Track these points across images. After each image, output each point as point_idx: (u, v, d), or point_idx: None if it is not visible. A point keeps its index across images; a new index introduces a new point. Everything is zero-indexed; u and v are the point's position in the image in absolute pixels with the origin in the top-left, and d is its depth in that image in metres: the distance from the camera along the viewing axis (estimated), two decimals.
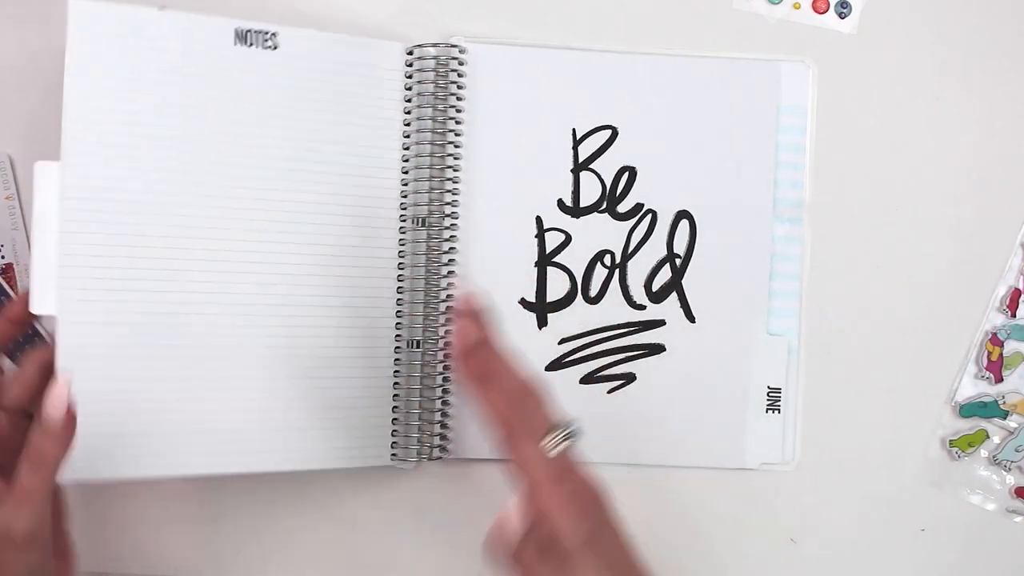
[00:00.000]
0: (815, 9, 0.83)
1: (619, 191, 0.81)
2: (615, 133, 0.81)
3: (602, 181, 0.81)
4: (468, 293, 0.68)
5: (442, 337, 0.79)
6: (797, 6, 0.83)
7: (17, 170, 0.82)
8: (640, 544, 0.81)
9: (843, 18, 0.83)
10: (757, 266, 0.81)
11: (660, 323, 0.82)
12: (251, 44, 0.74)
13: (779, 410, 0.81)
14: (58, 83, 0.80)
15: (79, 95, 0.71)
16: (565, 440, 0.63)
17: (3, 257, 0.82)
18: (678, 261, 0.81)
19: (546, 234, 0.81)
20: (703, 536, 0.83)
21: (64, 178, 0.71)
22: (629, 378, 0.82)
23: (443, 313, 0.79)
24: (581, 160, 0.81)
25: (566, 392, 0.80)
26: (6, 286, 0.82)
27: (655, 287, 0.81)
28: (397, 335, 0.79)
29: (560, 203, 0.81)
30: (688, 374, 0.81)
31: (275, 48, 0.75)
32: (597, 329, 0.81)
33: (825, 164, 0.82)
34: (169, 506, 0.82)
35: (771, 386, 0.81)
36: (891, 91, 0.83)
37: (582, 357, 0.81)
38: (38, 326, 0.81)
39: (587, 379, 0.81)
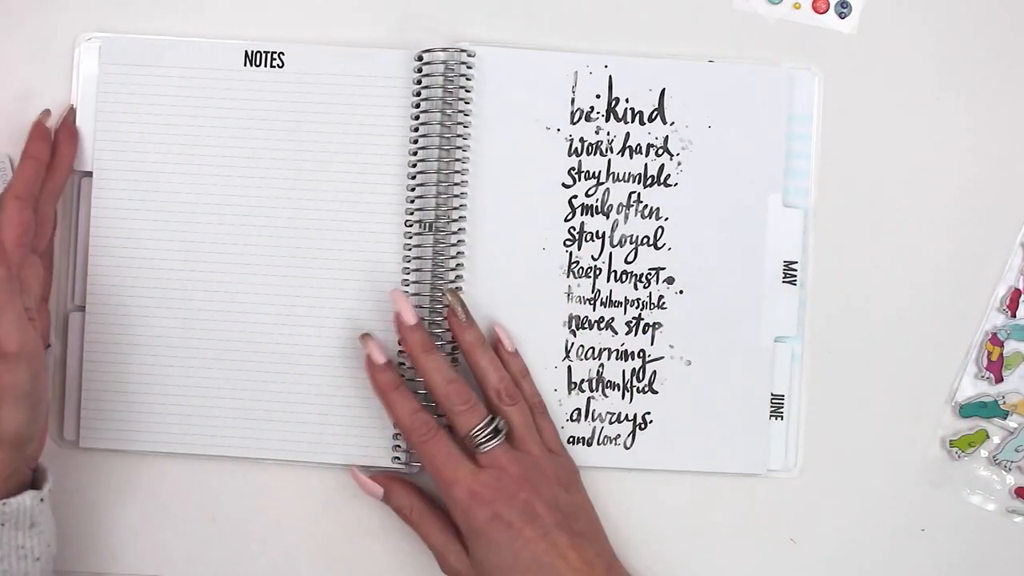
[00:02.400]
0: (815, 9, 0.83)
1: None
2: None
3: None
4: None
5: (449, 342, 0.79)
6: (797, 6, 0.83)
7: None
8: (642, 546, 0.82)
9: (843, 18, 0.83)
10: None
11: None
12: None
13: (782, 416, 0.82)
14: (56, 82, 0.81)
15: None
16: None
17: None
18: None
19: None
20: (703, 538, 0.83)
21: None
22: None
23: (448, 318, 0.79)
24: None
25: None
26: None
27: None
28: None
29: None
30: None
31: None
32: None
33: (825, 165, 0.82)
34: (168, 506, 0.82)
35: (775, 393, 0.81)
36: (891, 91, 0.83)
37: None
38: None
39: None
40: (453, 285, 0.79)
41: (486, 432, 0.73)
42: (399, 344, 0.78)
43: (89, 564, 0.82)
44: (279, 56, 0.80)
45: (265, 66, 0.80)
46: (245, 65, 0.81)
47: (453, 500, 0.73)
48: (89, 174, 0.81)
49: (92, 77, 0.82)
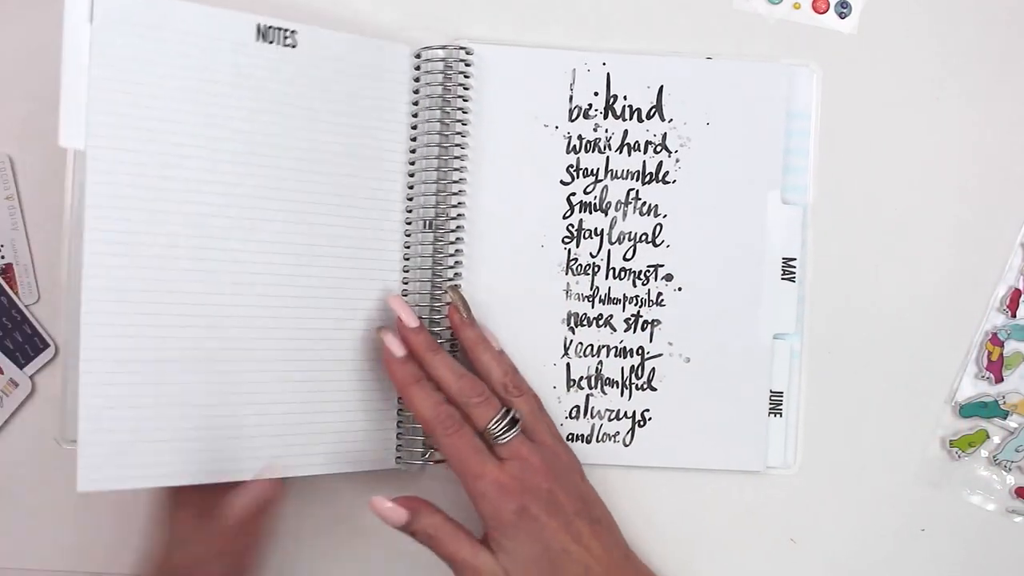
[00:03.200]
0: (815, 9, 0.83)
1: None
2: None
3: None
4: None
5: (448, 340, 0.79)
6: (797, 6, 0.83)
7: (17, 170, 0.82)
8: (643, 543, 0.82)
9: (843, 18, 0.83)
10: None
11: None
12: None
13: (781, 413, 0.82)
14: (57, 83, 0.81)
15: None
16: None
17: (3, 257, 0.82)
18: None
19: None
20: (702, 535, 0.82)
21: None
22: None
23: (447, 316, 0.79)
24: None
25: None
26: (6, 286, 0.82)
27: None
28: None
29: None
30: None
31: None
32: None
33: (825, 165, 0.82)
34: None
35: (773, 390, 0.81)
36: (891, 91, 0.83)
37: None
38: (37, 326, 0.81)
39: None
40: (453, 282, 0.79)
41: (503, 423, 0.73)
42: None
43: (89, 564, 0.82)
44: (292, 35, 0.76)
45: (277, 43, 0.75)
46: (257, 40, 0.75)
47: (480, 494, 0.72)
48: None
49: (84, 39, 0.71)
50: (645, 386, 0.81)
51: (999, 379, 0.82)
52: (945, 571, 0.83)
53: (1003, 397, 0.82)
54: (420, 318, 0.77)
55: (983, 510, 0.83)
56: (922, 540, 0.83)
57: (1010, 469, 0.82)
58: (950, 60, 0.84)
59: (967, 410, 0.82)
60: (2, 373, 0.81)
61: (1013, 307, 0.82)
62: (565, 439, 0.80)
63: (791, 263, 0.81)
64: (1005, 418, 0.82)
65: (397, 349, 0.75)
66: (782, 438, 0.82)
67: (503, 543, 0.72)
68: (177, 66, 0.72)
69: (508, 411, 0.74)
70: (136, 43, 0.71)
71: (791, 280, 0.81)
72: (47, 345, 0.82)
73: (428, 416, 0.74)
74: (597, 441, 0.81)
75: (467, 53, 0.79)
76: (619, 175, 0.81)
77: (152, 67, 0.72)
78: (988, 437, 0.83)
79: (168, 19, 0.72)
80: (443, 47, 0.79)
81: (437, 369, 0.75)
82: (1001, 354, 0.82)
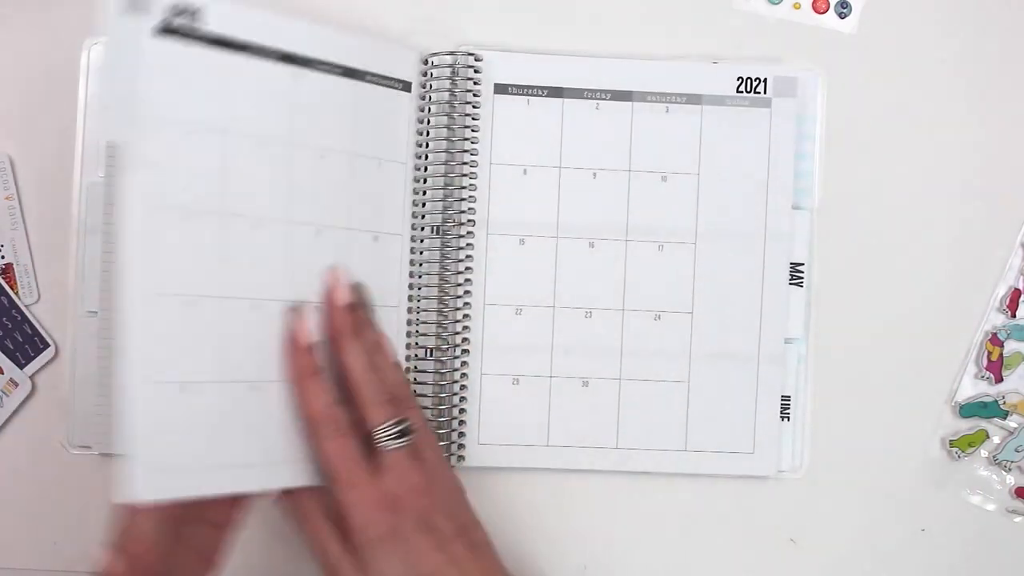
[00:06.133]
0: (815, 9, 0.83)
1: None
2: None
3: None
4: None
5: (458, 345, 0.79)
6: (797, 6, 0.83)
7: (17, 170, 0.82)
8: (645, 546, 0.82)
9: (843, 18, 0.83)
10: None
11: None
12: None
13: (789, 417, 0.82)
14: (58, 83, 0.81)
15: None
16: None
17: (3, 257, 0.82)
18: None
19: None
20: (703, 537, 0.83)
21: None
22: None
23: (459, 321, 0.79)
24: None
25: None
26: (6, 286, 0.82)
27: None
28: (412, 343, 0.79)
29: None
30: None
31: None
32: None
33: (828, 166, 0.82)
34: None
35: (783, 394, 0.81)
36: (891, 91, 0.83)
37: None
38: (37, 326, 0.81)
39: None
40: (463, 289, 0.79)
41: (395, 431, 0.69)
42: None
43: (89, 564, 0.82)
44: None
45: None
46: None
47: (352, 504, 0.68)
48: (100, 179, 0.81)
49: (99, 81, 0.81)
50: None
51: (999, 379, 0.83)
52: (945, 571, 0.83)
53: (1003, 397, 0.82)
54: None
55: (983, 510, 0.83)
56: (922, 540, 0.83)
57: (1010, 469, 0.83)
58: (950, 60, 0.84)
59: (967, 410, 0.83)
60: (2, 373, 0.81)
61: (1013, 307, 0.82)
62: None
63: (799, 268, 0.81)
64: (1005, 418, 0.82)
65: (307, 337, 0.71)
66: (790, 442, 0.82)
67: (369, 560, 0.68)
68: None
69: (402, 420, 0.70)
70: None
71: (799, 285, 0.81)
72: (47, 345, 0.82)
73: (318, 414, 0.70)
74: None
75: (476, 59, 0.79)
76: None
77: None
78: (988, 437, 0.83)
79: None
80: (450, 53, 0.79)
81: (352, 356, 0.71)
82: (1001, 354, 0.83)
